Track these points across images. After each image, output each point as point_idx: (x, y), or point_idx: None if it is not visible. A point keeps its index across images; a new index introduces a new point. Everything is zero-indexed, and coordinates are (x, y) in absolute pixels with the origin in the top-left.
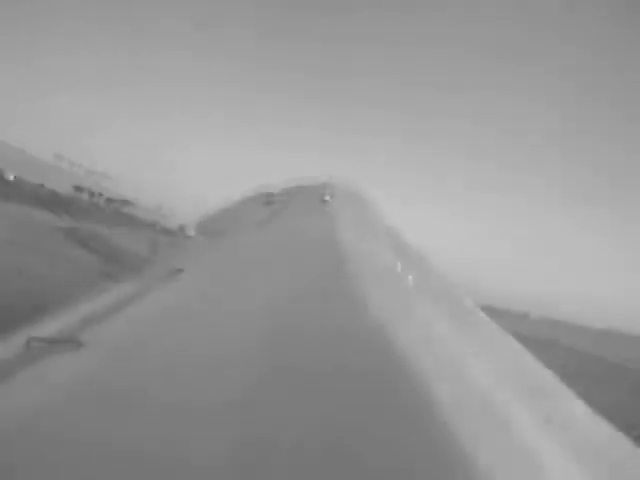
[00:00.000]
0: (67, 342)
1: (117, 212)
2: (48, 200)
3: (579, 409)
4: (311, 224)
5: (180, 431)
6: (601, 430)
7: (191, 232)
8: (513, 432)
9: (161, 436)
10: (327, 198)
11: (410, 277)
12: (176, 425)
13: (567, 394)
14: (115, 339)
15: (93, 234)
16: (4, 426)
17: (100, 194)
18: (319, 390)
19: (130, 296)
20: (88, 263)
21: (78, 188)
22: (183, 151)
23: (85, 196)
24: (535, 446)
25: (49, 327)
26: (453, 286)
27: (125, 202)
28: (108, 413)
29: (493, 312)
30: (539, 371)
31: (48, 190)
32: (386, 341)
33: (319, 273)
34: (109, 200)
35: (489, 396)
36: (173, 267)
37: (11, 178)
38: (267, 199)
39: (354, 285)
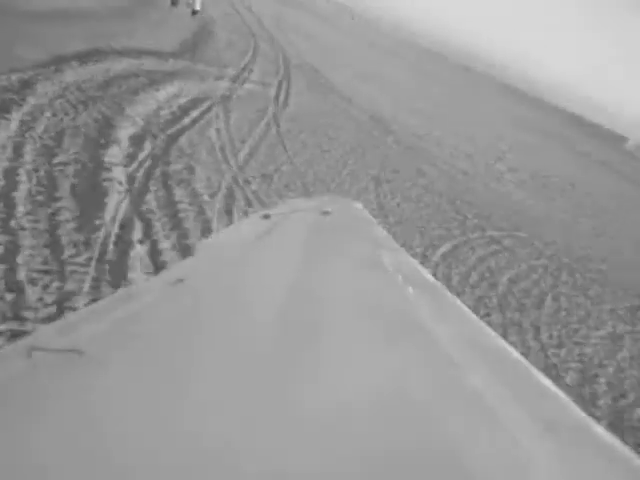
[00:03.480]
0: (69, 351)
1: None
2: None
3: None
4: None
5: (190, 447)
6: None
7: None
8: None
9: (165, 452)
10: (328, 210)
11: (410, 289)
12: (186, 440)
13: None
14: (115, 349)
15: None
16: (4, 438)
17: None
18: None
19: (129, 304)
20: None
21: None
22: None
23: None
24: None
25: (51, 335)
26: (478, 323)
27: None
28: (109, 425)
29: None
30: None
31: None
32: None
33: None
34: None
35: None
36: (173, 277)
37: None
38: (265, 214)
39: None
